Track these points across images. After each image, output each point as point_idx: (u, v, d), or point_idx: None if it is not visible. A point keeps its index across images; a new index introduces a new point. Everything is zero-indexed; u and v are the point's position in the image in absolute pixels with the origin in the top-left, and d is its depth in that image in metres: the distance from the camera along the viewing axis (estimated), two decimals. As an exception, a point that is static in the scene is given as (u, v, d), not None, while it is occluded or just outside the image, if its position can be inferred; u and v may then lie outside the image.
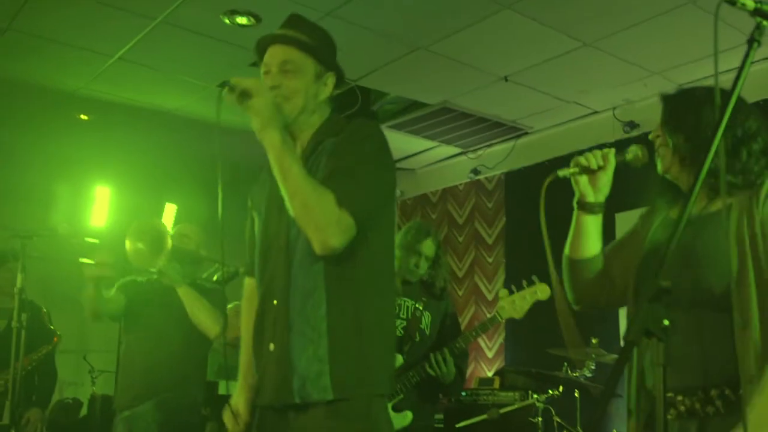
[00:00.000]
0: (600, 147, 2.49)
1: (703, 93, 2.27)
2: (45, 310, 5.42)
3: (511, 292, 4.33)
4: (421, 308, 4.47)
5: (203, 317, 4.30)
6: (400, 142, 7.90)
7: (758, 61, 5.59)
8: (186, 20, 5.31)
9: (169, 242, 4.32)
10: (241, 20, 5.26)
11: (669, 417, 2.08)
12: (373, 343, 2.45)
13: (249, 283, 2.84)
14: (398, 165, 8.80)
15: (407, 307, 4.48)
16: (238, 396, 2.72)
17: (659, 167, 2.34)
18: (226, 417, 2.70)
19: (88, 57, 5.94)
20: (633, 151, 2.33)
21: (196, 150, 7.92)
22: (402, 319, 4.42)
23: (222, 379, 5.40)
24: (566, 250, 2.46)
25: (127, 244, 4.41)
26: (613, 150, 2.37)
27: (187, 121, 7.19)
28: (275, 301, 2.49)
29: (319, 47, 2.61)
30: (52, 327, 5.33)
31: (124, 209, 7.48)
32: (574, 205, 2.41)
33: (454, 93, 6.60)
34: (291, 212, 2.36)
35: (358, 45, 5.55)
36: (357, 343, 2.42)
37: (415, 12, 5.18)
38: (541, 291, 4.27)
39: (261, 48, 2.62)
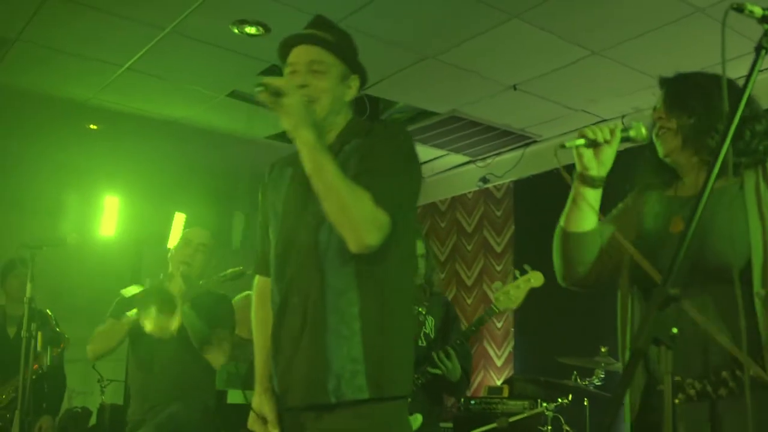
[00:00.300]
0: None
1: (709, 77, 2.34)
2: (50, 313, 5.42)
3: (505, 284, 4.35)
4: (424, 312, 4.48)
5: (211, 355, 4.33)
6: (409, 151, 7.90)
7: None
8: (195, 30, 5.32)
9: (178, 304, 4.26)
10: (250, 30, 5.27)
11: (677, 401, 2.08)
12: (398, 343, 2.46)
13: (261, 282, 2.79)
14: (407, 174, 8.79)
15: None
16: (262, 400, 2.63)
17: (660, 150, 2.36)
18: (253, 424, 2.65)
19: (97, 67, 5.96)
20: (637, 128, 2.35)
21: (205, 159, 7.96)
22: None
23: (230, 387, 5.40)
24: (561, 222, 2.43)
25: (138, 313, 4.35)
26: (620, 124, 2.37)
27: (196, 130, 7.21)
28: (298, 300, 2.46)
29: (346, 49, 2.67)
30: (58, 330, 5.33)
31: (133, 218, 7.51)
32: (575, 177, 2.39)
33: (462, 102, 6.60)
34: (326, 211, 2.32)
35: (367, 54, 5.49)
36: (386, 343, 2.42)
37: (424, 21, 5.19)
38: (534, 278, 4.28)
39: (287, 47, 2.61)
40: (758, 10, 1.72)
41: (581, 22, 5.19)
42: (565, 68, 5.84)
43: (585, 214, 2.37)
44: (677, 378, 2.09)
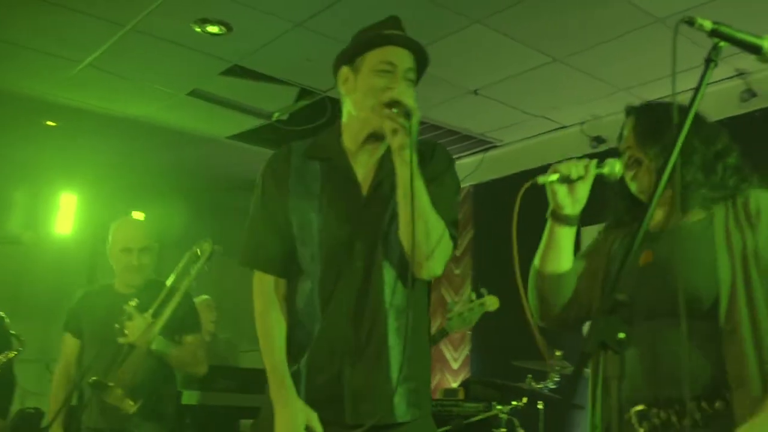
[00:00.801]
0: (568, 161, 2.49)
1: (679, 109, 2.30)
2: (3, 315, 5.34)
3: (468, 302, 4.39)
4: None
5: (191, 369, 4.35)
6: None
7: (724, 79, 5.68)
8: (156, 28, 5.29)
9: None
10: (212, 29, 5.25)
11: (641, 430, 2.09)
12: (429, 363, 2.56)
13: (270, 281, 2.57)
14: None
15: None
16: (305, 413, 2.37)
17: (634, 187, 2.29)
18: None
19: (55, 63, 5.89)
20: (611, 165, 2.26)
21: (165, 158, 7.91)
22: None
23: (186, 389, 5.37)
24: (536, 263, 2.38)
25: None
26: (594, 161, 2.28)
27: (155, 128, 7.15)
28: (354, 316, 2.38)
29: (424, 66, 2.60)
30: (13, 333, 5.25)
31: (90, 217, 7.45)
32: (548, 216, 2.33)
33: (423, 105, 6.53)
34: (403, 233, 2.31)
35: (328, 56, 5.51)
36: (427, 363, 2.51)
37: (386, 24, 5.20)
38: (490, 302, 4.33)
39: (384, 40, 2.58)
40: (708, 24, 1.75)
41: (543, 29, 5.24)
42: (526, 74, 5.89)
43: (560, 254, 2.33)
44: (642, 407, 2.10)
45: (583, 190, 2.27)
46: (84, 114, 6.86)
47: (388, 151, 2.41)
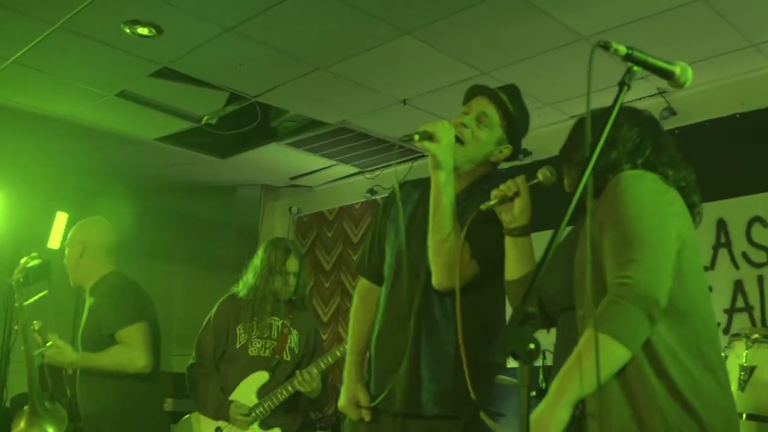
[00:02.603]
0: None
1: (605, 111, 2.36)
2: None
3: None
4: (288, 325, 4.53)
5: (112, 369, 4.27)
6: (298, 160, 7.95)
7: (646, 97, 5.86)
8: (85, 27, 5.23)
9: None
10: (142, 30, 5.21)
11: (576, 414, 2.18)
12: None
13: (365, 284, 3.17)
14: (295, 182, 8.84)
15: (276, 326, 4.52)
16: (357, 388, 2.96)
17: (566, 185, 2.45)
18: (348, 408, 2.96)
19: (-20, 59, 5.80)
20: (542, 173, 2.51)
21: (92, 159, 7.81)
22: (272, 339, 4.48)
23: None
24: (506, 277, 2.59)
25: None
26: (522, 176, 2.56)
27: (82, 129, 7.06)
28: (407, 320, 2.79)
29: (515, 121, 2.89)
30: None
31: (13, 217, 7.30)
32: (504, 233, 2.57)
33: (353, 113, 6.68)
34: (429, 245, 2.70)
35: (259, 61, 5.57)
36: (459, 369, 2.67)
37: (317, 33, 5.24)
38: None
39: (473, 92, 2.96)
40: (622, 49, 1.84)
41: (471, 43, 5.33)
42: (454, 86, 5.97)
43: (520, 261, 2.54)
44: None
45: (523, 203, 2.53)
46: (9, 112, 6.74)
47: (466, 188, 2.89)
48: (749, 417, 3.56)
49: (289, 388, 4.36)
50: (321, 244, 8.78)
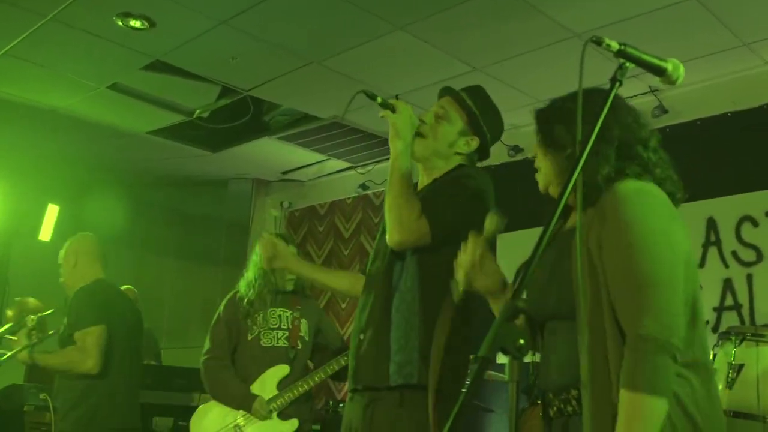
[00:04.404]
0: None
1: (568, 103, 2.25)
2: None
3: None
4: (298, 316, 4.60)
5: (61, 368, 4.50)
6: (290, 154, 7.94)
7: (638, 95, 5.86)
8: (77, 19, 5.22)
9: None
10: (135, 23, 5.20)
11: (551, 414, 2.17)
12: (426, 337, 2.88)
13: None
14: (287, 176, 8.83)
15: (285, 317, 4.58)
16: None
17: (540, 184, 2.32)
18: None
19: (-29, 50, 5.77)
20: (486, 227, 2.43)
21: (84, 151, 7.79)
22: (284, 329, 4.54)
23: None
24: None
25: None
26: (471, 236, 2.42)
27: (73, 120, 7.04)
28: (372, 295, 2.99)
29: (477, 115, 3.07)
30: None
31: (4, 209, 7.29)
32: (490, 302, 2.45)
33: (344, 109, 6.67)
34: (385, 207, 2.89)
35: (252, 55, 5.57)
36: (420, 338, 2.84)
37: (310, 27, 5.25)
38: None
39: (441, 95, 3.20)
40: (615, 45, 1.83)
41: (464, 38, 5.34)
42: (446, 82, 5.83)
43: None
44: (550, 395, 2.18)
45: (489, 267, 2.42)
46: (0, 103, 6.73)
47: (433, 181, 3.04)
48: (737, 415, 3.57)
49: (309, 382, 4.48)
50: (312, 239, 8.77)
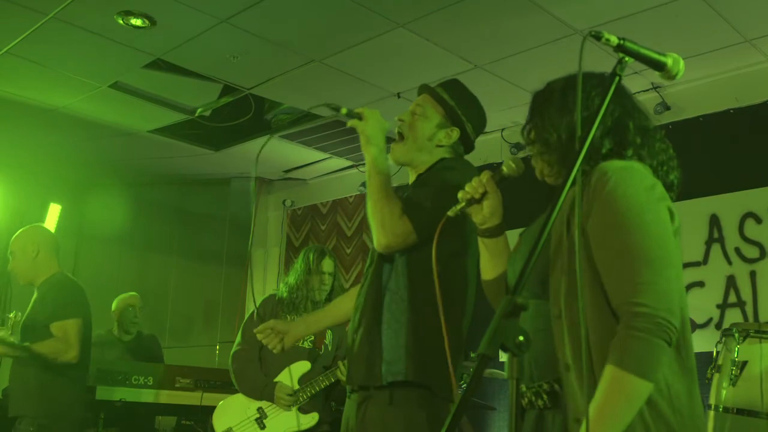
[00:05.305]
0: (488, 166, 2.55)
1: (571, 81, 2.26)
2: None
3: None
4: None
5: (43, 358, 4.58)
6: (292, 153, 7.94)
7: (641, 92, 5.85)
8: (78, 18, 5.22)
9: None
10: (136, 21, 5.20)
11: (524, 405, 2.15)
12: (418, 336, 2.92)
13: None
14: (289, 175, 8.83)
15: None
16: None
17: (537, 171, 2.31)
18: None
19: (-27, 49, 5.77)
20: (506, 164, 2.33)
21: (85, 150, 7.79)
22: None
23: (100, 384, 5.35)
24: (482, 276, 2.48)
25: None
26: (487, 172, 2.36)
27: (75, 119, 7.04)
28: (363, 295, 3.02)
29: (453, 106, 3.11)
30: None
31: (5, 207, 7.29)
32: (478, 235, 2.43)
33: (347, 106, 6.64)
34: (367, 212, 2.94)
35: (253, 53, 5.57)
36: (412, 337, 2.87)
37: (312, 25, 5.24)
38: None
39: (419, 92, 3.22)
40: (614, 39, 1.82)
41: (465, 36, 5.33)
42: (447, 79, 5.96)
43: (495, 261, 2.42)
44: (523, 387, 2.14)
45: (493, 202, 2.36)
46: (1, 103, 6.73)
47: (418, 177, 3.10)
48: (740, 412, 3.56)
49: (331, 378, 4.60)
50: (314, 237, 8.77)
